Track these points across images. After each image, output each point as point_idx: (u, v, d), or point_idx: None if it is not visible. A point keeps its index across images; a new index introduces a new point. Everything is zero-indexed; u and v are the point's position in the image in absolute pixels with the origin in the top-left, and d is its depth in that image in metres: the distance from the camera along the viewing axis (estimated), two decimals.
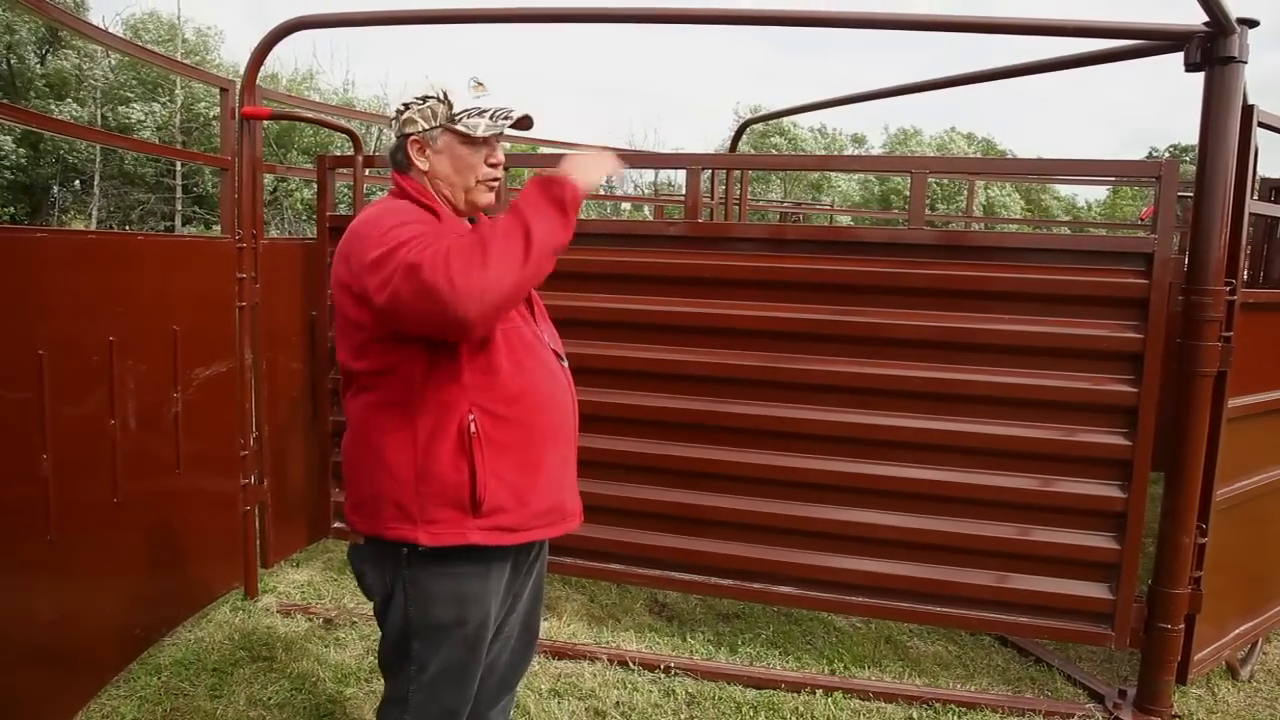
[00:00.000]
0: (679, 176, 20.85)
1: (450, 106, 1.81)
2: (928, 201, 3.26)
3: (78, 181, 28.98)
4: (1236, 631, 3.28)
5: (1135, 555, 2.95)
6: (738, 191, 7.28)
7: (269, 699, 2.96)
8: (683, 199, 3.61)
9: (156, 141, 25.90)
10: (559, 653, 3.32)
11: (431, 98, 1.81)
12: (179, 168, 27.48)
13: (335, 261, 1.79)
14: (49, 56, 28.61)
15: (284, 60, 30.41)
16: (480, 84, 1.85)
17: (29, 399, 2.58)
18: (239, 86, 3.64)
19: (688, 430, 3.27)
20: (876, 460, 3.12)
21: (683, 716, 2.96)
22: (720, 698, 3.07)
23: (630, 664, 3.25)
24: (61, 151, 27.00)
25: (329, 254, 3.64)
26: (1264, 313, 3.06)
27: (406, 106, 1.84)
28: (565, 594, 3.91)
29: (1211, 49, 2.70)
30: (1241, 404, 2.99)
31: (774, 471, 3.20)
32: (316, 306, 3.98)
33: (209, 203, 27.92)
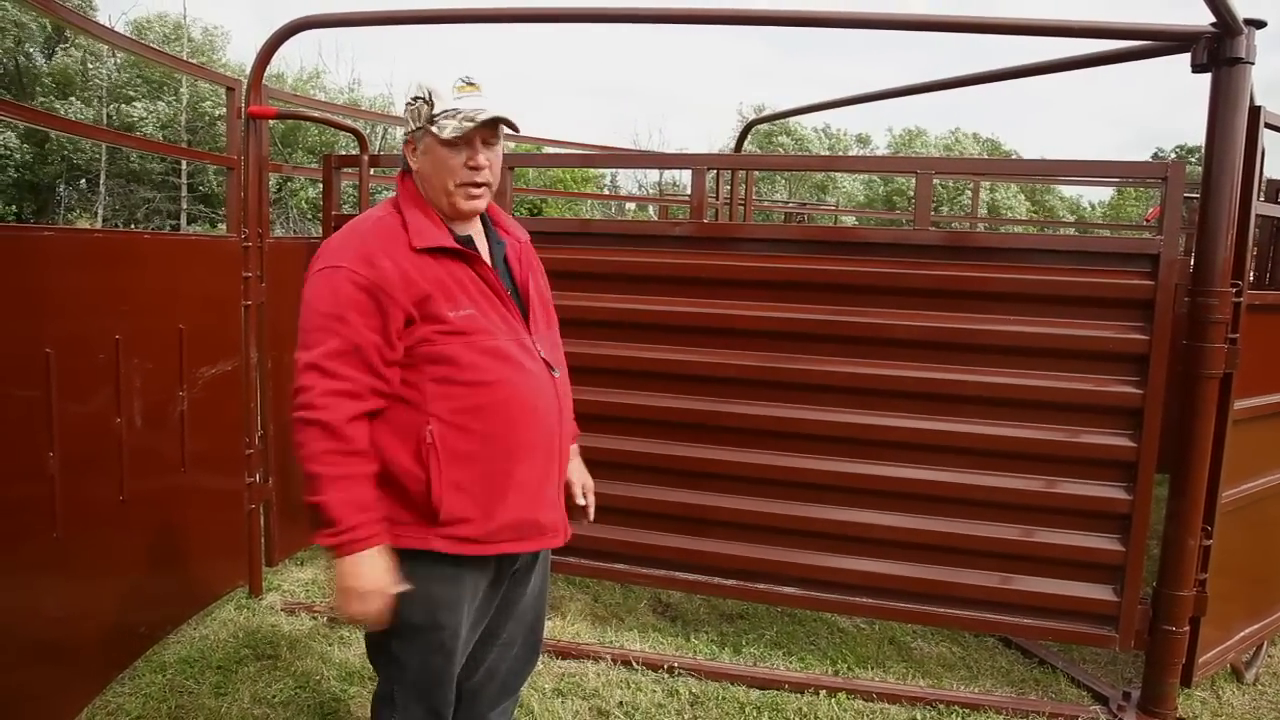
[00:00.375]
0: (684, 176, 20.85)
1: (432, 107, 1.78)
2: (933, 202, 3.26)
3: (83, 180, 29.07)
4: (1241, 634, 3.27)
5: (1140, 557, 2.94)
6: (743, 192, 7.28)
7: (273, 697, 2.97)
8: (688, 199, 3.61)
9: (160, 140, 25.97)
10: (563, 652, 3.32)
11: (420, 98, 1.80)
12: (184, 166, 27.57)
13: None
14: (55, 53, 28.69)
15: (289, 60, 30.54)
16: (470, 84, 1.79)
17: (36, 397, 2.59)
18: (245, 86, 3.65)
19: (693, 430, 3.27)
20: (880, 461, 3.12)
21: (686, 717, 2.96)
22: (724, 698, 3.07)
23: (634, 664, 3.26)
24: (66, 151, 27.08)
25: None
26: (1270, 315, 3.05)
27: (407, 107, 1.85)
28: (569, 593, 3.91)
29: (1218, 50, 2.69)
30: (1247, 406, 2.98)
31: (777, 472, 3.20)
32: None
33: (214, 201, 28.01)
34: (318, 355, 1.73)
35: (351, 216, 3.58)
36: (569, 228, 3.52)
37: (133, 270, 3.06)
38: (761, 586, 3.26)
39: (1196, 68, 2.76)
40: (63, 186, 29.26)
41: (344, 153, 3.95)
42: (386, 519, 1.78)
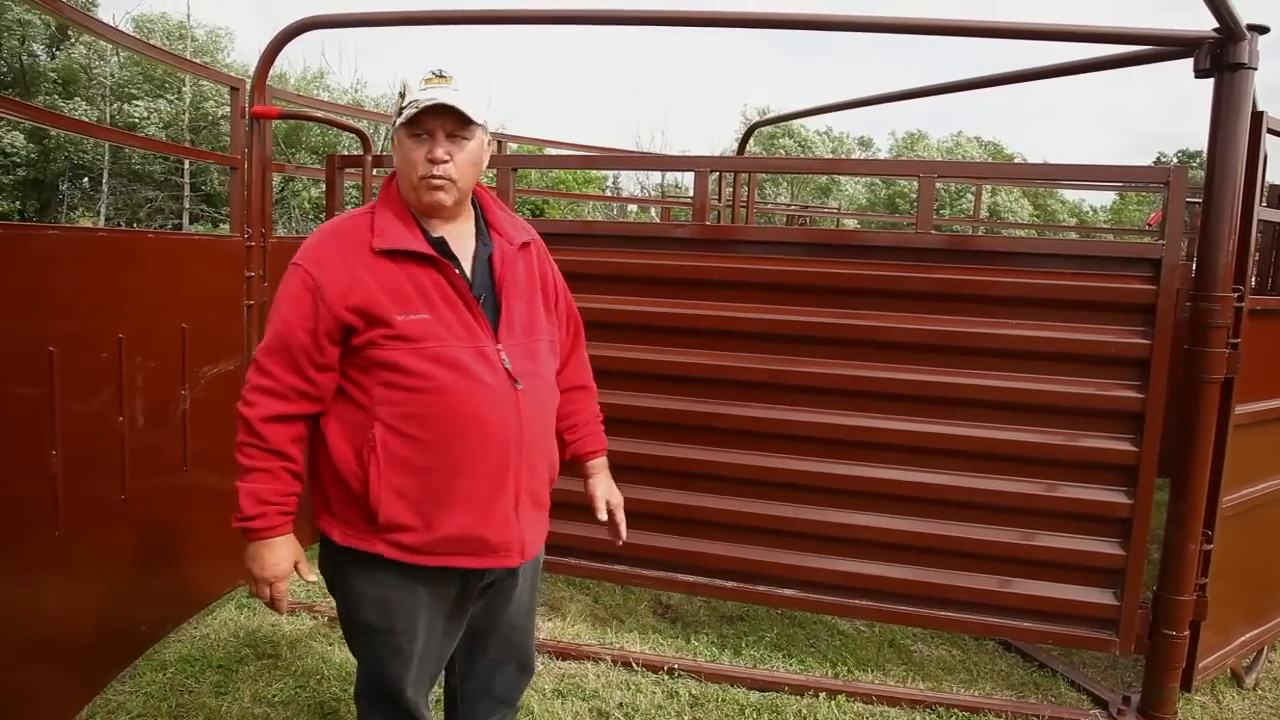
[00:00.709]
0: (686, 178, 20.83)
1: (402, 99, 1.77)
2: (934, 206, 3.26)
3: (86, 179, 29.11)
4: (1242, 639, 3.27)
5: (1140, 561, 2.95)
6: (745, 194, 7.28)
7: (273, 696, 2.97)
8: (690, 201, 3.62)
9: (163, 139, 26.01)
10: (563, 653, 3.33)
11: (400, 92, 1.79)
12: (187, 166, 27.59)
13: None
14: (59, 52, 28.74)
15: (293, 60, 30.58)
16: (439, 76, 1.75)
17: (39, 395, 2.60)
18: (249, 86, 3.66)
19: (694, 432, 3.27)
20: (882, 464, 3.12)
21: (686, 718, 2.96)
22: (724, 699, 3.07)
23: (634, 665, 3.26)
24: (68, 150, 27.13)
25: None
26: (1272, 319, 3.05)
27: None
28: (569, 594, 3.92)
29: (1221, 55, 2.70)
30: (1249, 411, 2.98)
31: (778, 474, 3.20)
32: None
33: (216, 200, 28.04)
34: (258, 350, 1.80)
35: None
36: (571, 229, 3.53)
37: (136, 269, 3.06)
38: (762, 588, 3.26)
39: (1199, 73, 2.77)
40: (65, 185, 29.30)
41: (347, 153, 3.96)
42: (337, 517, 1.81)
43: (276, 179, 4.68)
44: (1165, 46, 2.92)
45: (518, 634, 2.06)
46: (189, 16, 29.52)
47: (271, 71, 3.66)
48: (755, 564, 3.24)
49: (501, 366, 1.78)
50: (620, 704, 3.00)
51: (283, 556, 1.81)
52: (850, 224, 22.14)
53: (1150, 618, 2.97)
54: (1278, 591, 3.48)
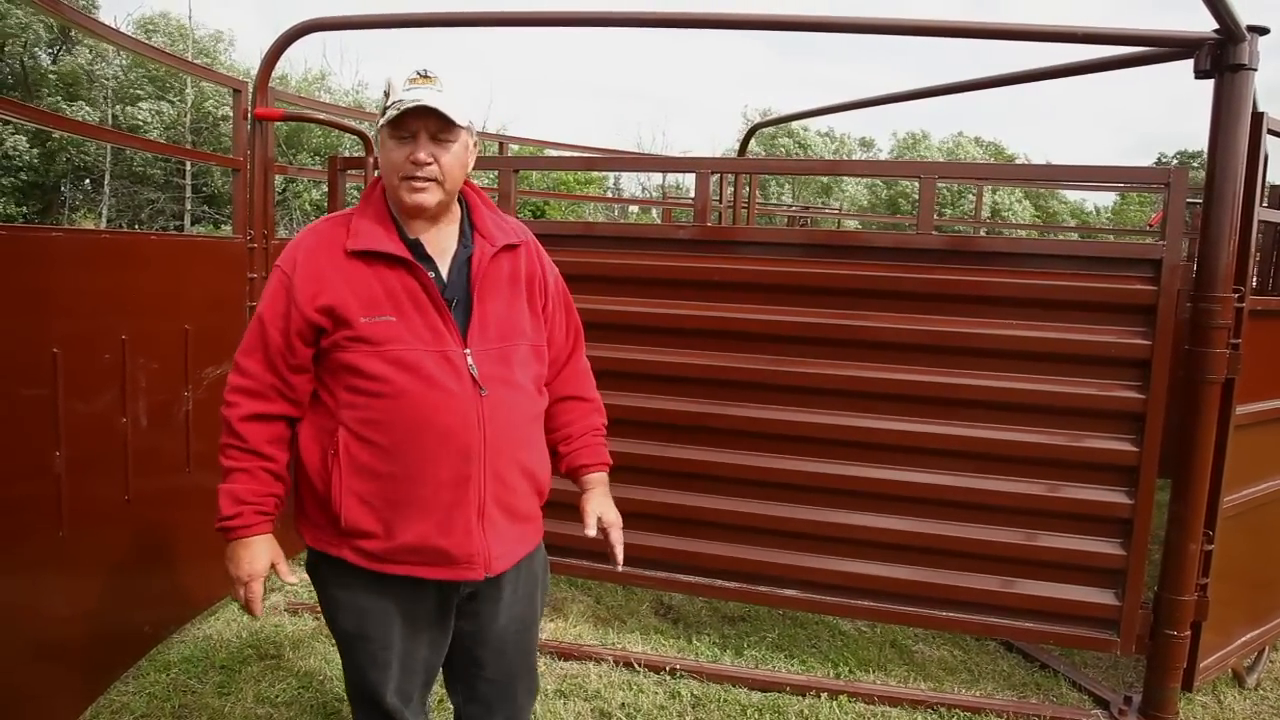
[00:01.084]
0: (687, 179, 20.83)
1: (386, 98, 1.74)
2: (935, 206, 3.26)
3: (88, 180, 29.14)
4: (1243, 639, 3.27)
5: (1141, 562, 2.95)
6: (746, 195, 7.29)
7: (276, 696, 2.98)
8: (691, 202, 3.62)
9: (164, 141, 26.04)
10: (565, 654, 3.33)
11: (385, 91, 1.76)
12: (189, 167, 27.62)
13: None
14: (61, 54, 28.78)
15: (294, 61, 30.60)
16: (424, 76, 1.71)
17: (43, 396, 2.61)
18: (251, 88, 3.67)
19: (695, 433, 3.28)
20: (883, 464, 3.13)
21: (688, 718, 2.97)
22: (725, 700, 3.07)
23: (636, 665, 3.26)
24: (70, 152, 27.16)
25: None
26: (1273, 320, 3.05)
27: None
28: (571, 595, 3.92)
29: (1221, 56, 2.70)
30: (1249, 411, 2.99)
31: (779, 475, 3.20)
32: None
33: (218, 202, 28.06)
34: (238, 351, 1.79)
35: None
36: (573, 230, 3.53)
37: (139, 271, 3.08)
38: (763, 589, 3.27)
39: (1199, 74, 2.77)
40: (67, 187, 29.34)
41: (349, 154, 3.97)
42: (310, 520, 1.82)
43: (278, 180, 4.68)
44: (1166, 47, 2.93)
45: (512, 649, 1.95)
46: (190, 17, 29.54)
47: (273, 73, 3.67)
48: (757, 564, 3.25)
49: (467, 372, 1.72)
50: (622, 704, 3.01)
51: (257, 555, 1.79)
52: (851, 224, 22.14)
53: (1151, 618, 2.97)
54: (1279, 591, 3.48)
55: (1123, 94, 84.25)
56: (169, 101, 27.96)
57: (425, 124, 1.71)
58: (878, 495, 3.13)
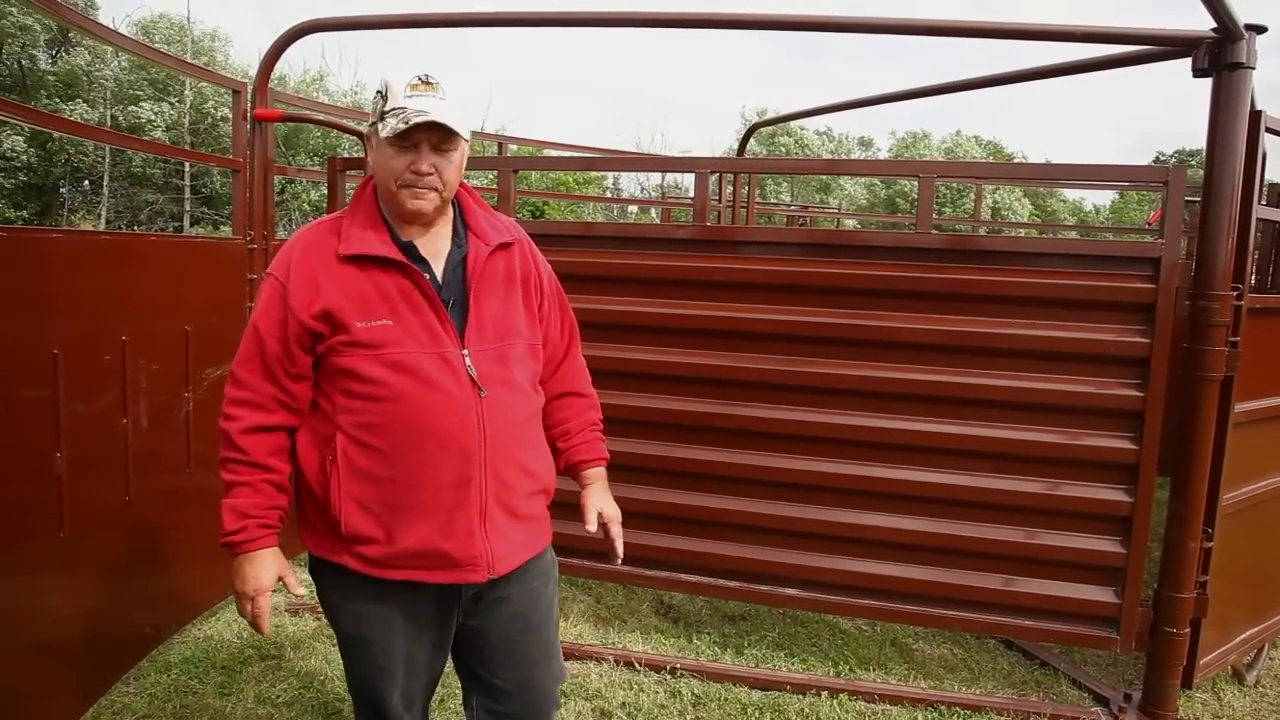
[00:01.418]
0: (686, 179, 20.84)
1: (385, 102, 1.69)
2: (935, 206, 3.27)
3: (87, 181, 29.14)
4: (1242, 636, 3.28)
5: (1141, 559, 2.95)
6: (745, 194, 7.29)
7: (277, 697, 2.98)
8: (690, 202, 3.62)
9: (166, 141, 26.03)
10: (565, 653, 3.32)
11: (380, 92, 1.72)
12: (187, 168, 27.62)
13: None
14: (60, 55, 28.77)
15: (293, 62, 30.61)
16: (425, 82, 1.67)
17: (44, 397, 2.61)
18: (250, 88, 3.67)
19: (694, 432, 3.28)
20: (881, 463, 3.13)
21: (688, 717, 2.97)
22: (726, 699, 3.08)
23: (636, 665, 3.27)
24: (69, 153, 27.15)
25: None
26: (1271, 318, 3.06)
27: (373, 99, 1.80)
28: (572, 595, 3.93)
29: (1219, 55, 2.71)
30: (1248, 409, 2.99)
31: (779, 474, 3.21)
32: None
33: (217, 203, 28.06)
34: (235, 362, 1.76)
35: None
36: (572, 230, 3.53)
37: (139, 272, 3.08)
38: (764, 588, 3.27)
39: (1197, 73, 2.78)
40: (66, 188, 29.34)
41: (348, 155, 3.98)
42: (311, 527, 1.80)
43: (277, 181, 4.68)
44: (1164, 46, 2.93)
45: (524, 656, 1.89)
46: (189, 17, 29.54)
47: (272, 74, 3.67)
48: (757, 563, 3.25)
49: (465, 373, 1.70)
50: (623, 704, 3.01)
51: (263, 570, 1.76)
52: (850, 224, 22.15)
53: (1151, 615, 2.97)
54: (1278, 589, 3.49)
55: (1122, 94, 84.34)
56: (169, 102, 27.96)
57: (428, 135, 1.69)
58: (877, 494, 3.13)
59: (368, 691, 1.87)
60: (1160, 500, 2.97)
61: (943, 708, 3.06)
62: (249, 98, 3.66)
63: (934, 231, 3.14)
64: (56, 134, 22.36)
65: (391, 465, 1.68)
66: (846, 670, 3.34)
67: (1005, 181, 24.47)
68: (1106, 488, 2.98)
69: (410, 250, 1.75)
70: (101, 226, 26.34)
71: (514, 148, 7.86)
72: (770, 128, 35.63)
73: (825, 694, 3.11)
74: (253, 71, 3.74)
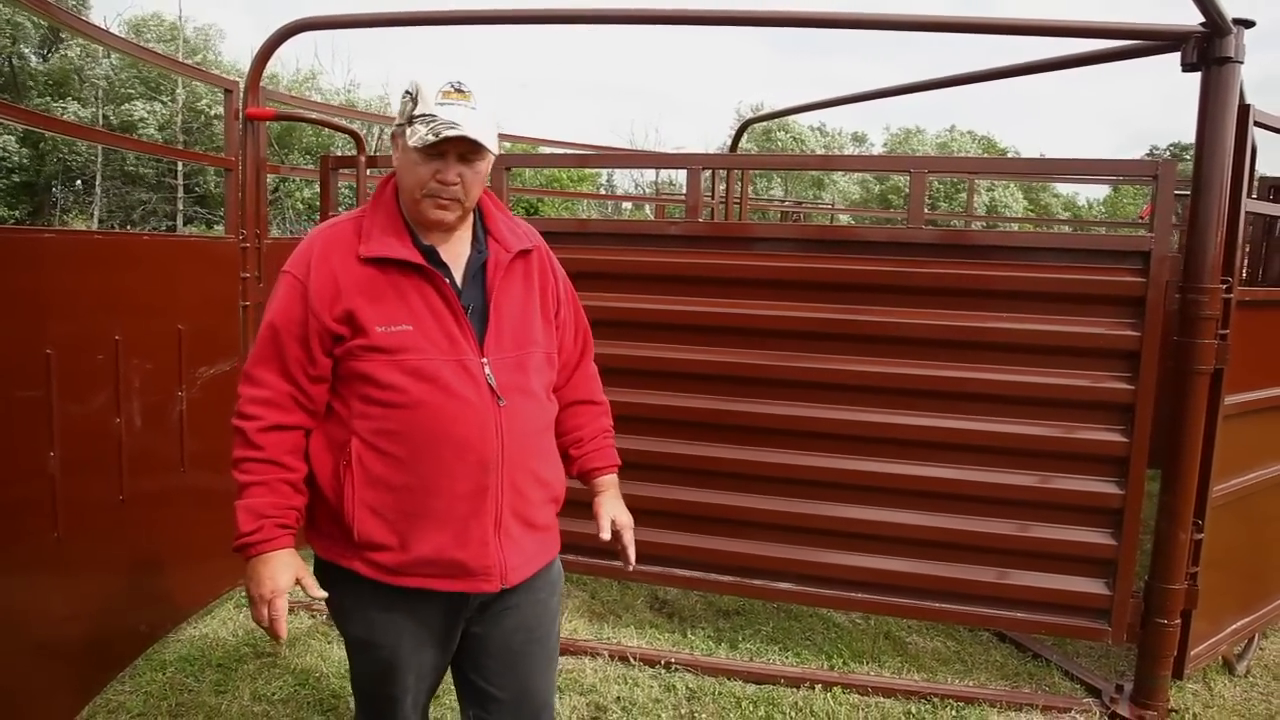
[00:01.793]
0: (680, 176, 20.85)
1: (415, 106, 1.65)
2: (929, 201, 3.28)
3: (79, 181, 29.04)
4: (1233, 627, 3.30)
5: (1132, 551, 2.97)
6: (739, 190, 7.30)
7: (273, 694, 2.99)
8: (684, 198, 3.63)
9: (159, 140, 25.95)
10: (560, 649, 3.33)
11: (409, 93, 1.68)
12: (180, 168, 27.54)
13: None
14: (51, 54, 28.65)
15: (285, 61, 30.50)
16: (458, 90, 1.64)
17: (37, 397, 2.61)
18: (243, 87, 3.66)
19: (689, 428, 3.29)
20: (874, 457, 3.14)
21: (683, 711, 2.98)
22: (720, 693, 3.09)
23: (631, 660, 3.28)
24: (61, 152, 27.06)
25: None
26: (1260, 310, 3.08)
27: (400, 99, 1.76)
28: (567, 590, 3.91)
29: (1208, 49, 2.72)
30: (1238, 401, 3.01)
31: (773, 469, 3.22)
32: None
33: (210, 202, 28.00)
34: (250, 362, 1.74)
35: None
36: (566, 227, 3.55)
37: (132, 271, 3.08)
38: (758, 583, 3.29)
39: (1186, 67, 2.79)
40: (58, 188, 29.23)
41: (340, 153, 3.97)
42: (321, 532, 1.77)
43: (270, 180, 4.68)
44: (1153, 41, 2.94)
45: (522, 665, 1.88)
46: (180, 15, 29.41)
47: (264, 72, 3.66)
48: (752, 558, 3.26)
49: (484, 381, 1.68)
50: (618, 698, 3.02)
51: (280, 571, 1.70)
52: (844, 219, 22.18)
53: (1142, 607, 2.99)
54: (1268, 580, 3.51)
55: (1118, 90, 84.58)
56: (161, 101, 27.87)
57: (456, 145, 1.65)
58: (869, 488, 3.15)
59: (374, 693, 1.87)
60: (1151, 492, 2.99)
61: (936, 700, 3.07)
62: (241, 97, 3.66)
63: (926, 226, 3.15)
64: (49, 133, 22.27)
65: (408, 473, 1.66)
66: (840, 663, 3.36)
67: (996, 176, 24.52)
68: (1097, 480, 2.99)
69: (431, 254, 1.72)
70: (94, 226, 26.25)
71: (508, 145, 7.85)
72: (764, 125, 35.64)
73: (819, 687, 3.13)
74: (244, 70, 3.73)
